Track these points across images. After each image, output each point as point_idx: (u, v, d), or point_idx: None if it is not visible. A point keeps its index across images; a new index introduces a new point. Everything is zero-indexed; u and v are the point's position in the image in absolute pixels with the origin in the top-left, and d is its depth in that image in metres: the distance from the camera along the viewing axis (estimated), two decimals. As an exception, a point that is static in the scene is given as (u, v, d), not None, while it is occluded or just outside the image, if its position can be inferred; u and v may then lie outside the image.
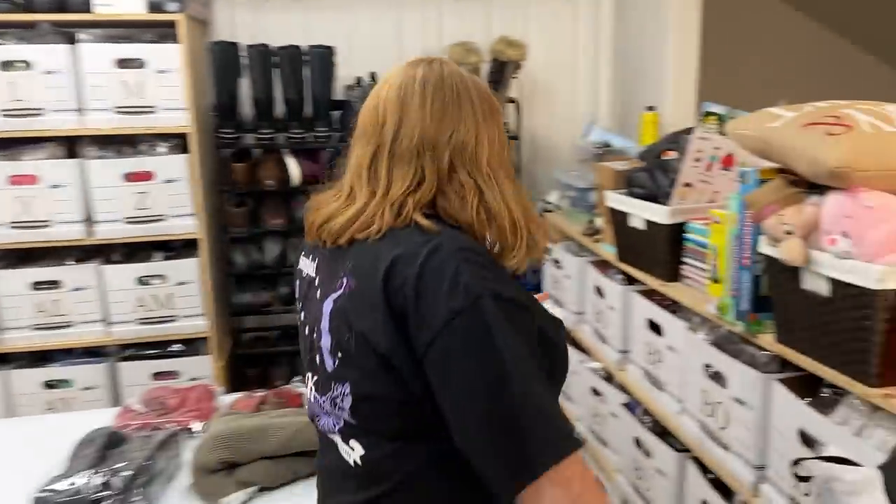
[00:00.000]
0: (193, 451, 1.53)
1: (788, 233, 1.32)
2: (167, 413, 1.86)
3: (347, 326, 0.95)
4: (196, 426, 1.81)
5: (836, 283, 1.25)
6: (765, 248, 1.43)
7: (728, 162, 1.90)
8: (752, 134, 1.46)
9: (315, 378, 1.04)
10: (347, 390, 0.97)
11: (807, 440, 1.38)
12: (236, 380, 2.92)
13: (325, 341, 0.99)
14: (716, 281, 1.66)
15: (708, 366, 1.71)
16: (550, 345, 0.99)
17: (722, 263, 1.63)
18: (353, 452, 1.00)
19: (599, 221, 2.44)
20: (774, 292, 1.46)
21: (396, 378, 0.92)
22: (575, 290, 2.53)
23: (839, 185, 1.24)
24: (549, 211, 2.94)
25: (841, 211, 1.23)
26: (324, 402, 1.02)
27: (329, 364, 0.99)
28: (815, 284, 1.31)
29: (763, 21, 4.03)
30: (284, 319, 3.14)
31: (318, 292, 1.03)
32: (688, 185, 1.88)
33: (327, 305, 0.99)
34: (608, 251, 2.28)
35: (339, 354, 0.97)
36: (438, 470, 0.96)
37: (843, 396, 1.36)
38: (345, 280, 0.96)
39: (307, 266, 1.09)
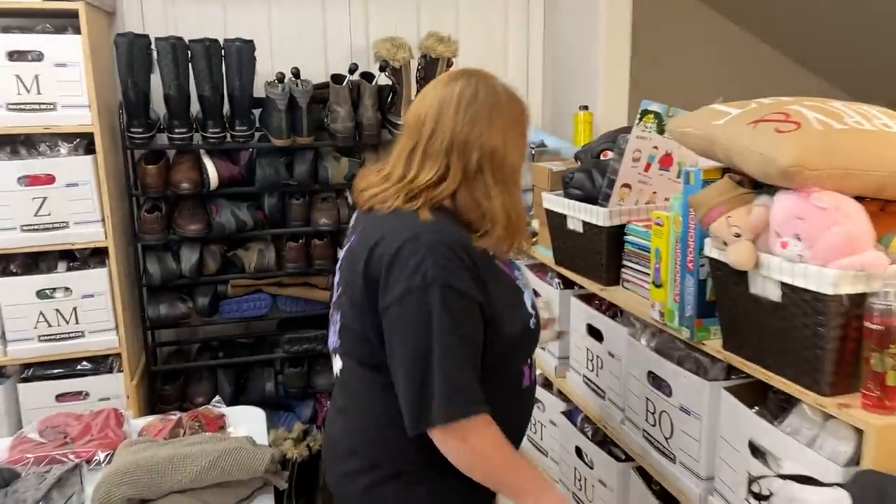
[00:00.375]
0: (94, 487, 1.37)
1: (737, 235, 1.26)
2: (68, 443, 1.68)
3: (342, 272, 1.30)
4: (102, 457, 1.64)
5: (788, 288, 1.20)
6: (711, 251, 1.37)
7: (666, 162, 1.84)
8: (695, 132, 1.39)
9: (332, 301, 1.36)
10: (338, 318, 1.31)
11: (757, 451, 1.32)
12: (153, 398, 2.72)
13: (336, 277, 1.34)
14: (658, 285, 1.59)
15: (651, 373, 1.64)
16: (497, 333, 1.22)
17: (665, 267, 1.56)
18: (336, 366, 1.36)
19: (536, 223, 2.37)
20: (721, 297, 1.40)
21: (361, 323, 1.23)
22: (511, 294, 2.45)
23: (790, 185, 1.18)
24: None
25: (792, 212, 1.17)
26: (331, 321, 1.36)
27: (336, 295, 1.33)
28: (764, 289, 1.25)
29: (688, 23, 4.08)
30: (203, 332, 2.94)
31: (347, 239, 1.35)
32: (626, 185, 1.82)
33: (342, 251, 1.32)
34: (545, 254, 2.20)
35: (339, 290, 1.31)
36: (387, 397, 1.21)
37: (793, 404, 1.30)
38: (353, 237, 1.30)
39: (353, 218, 1.39)
